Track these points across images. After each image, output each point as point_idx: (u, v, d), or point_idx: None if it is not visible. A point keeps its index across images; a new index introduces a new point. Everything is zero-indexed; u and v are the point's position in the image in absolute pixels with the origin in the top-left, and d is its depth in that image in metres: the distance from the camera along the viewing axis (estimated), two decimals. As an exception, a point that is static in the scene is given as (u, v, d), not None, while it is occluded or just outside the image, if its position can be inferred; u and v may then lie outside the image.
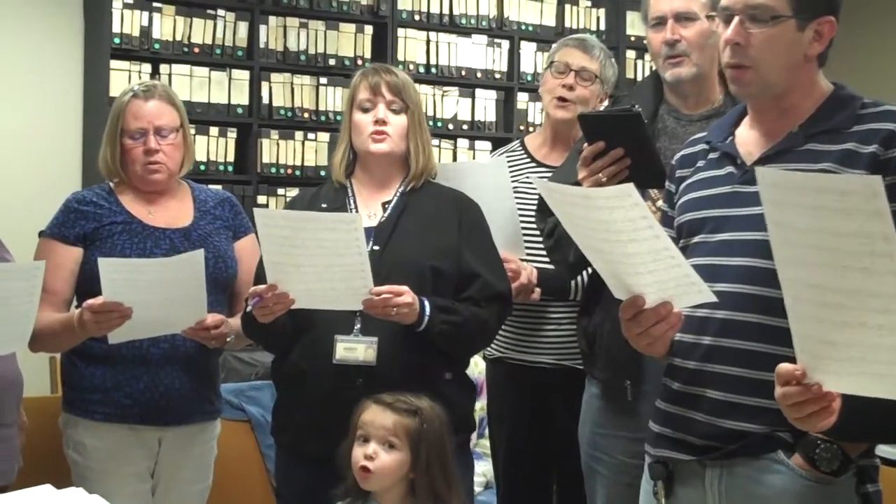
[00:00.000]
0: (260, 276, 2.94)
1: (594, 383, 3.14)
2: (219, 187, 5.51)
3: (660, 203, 2.84)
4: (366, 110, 3.11)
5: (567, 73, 3.65)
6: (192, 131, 5.51)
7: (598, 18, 6.90)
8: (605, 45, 6.60)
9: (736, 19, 2.26)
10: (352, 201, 3.14)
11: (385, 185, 3.15)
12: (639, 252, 2.00)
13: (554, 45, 3.86)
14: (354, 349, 2.94)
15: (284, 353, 3.10)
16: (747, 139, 2.36)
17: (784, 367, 1.74)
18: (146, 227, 3.26)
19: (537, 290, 3.47)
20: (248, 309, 2.91)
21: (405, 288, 2.87)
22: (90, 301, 2.97)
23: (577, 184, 2.65)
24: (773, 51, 2.24)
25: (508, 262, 3.34)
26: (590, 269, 3.09)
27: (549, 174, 3.38)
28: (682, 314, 2.18)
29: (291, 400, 3.11)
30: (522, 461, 3.67)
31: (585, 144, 2.75)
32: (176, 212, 3.34)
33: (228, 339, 3.19)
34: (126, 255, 3.17)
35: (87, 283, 3.13)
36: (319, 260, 2.79)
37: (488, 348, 3.81)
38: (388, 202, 3.12)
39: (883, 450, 2.35)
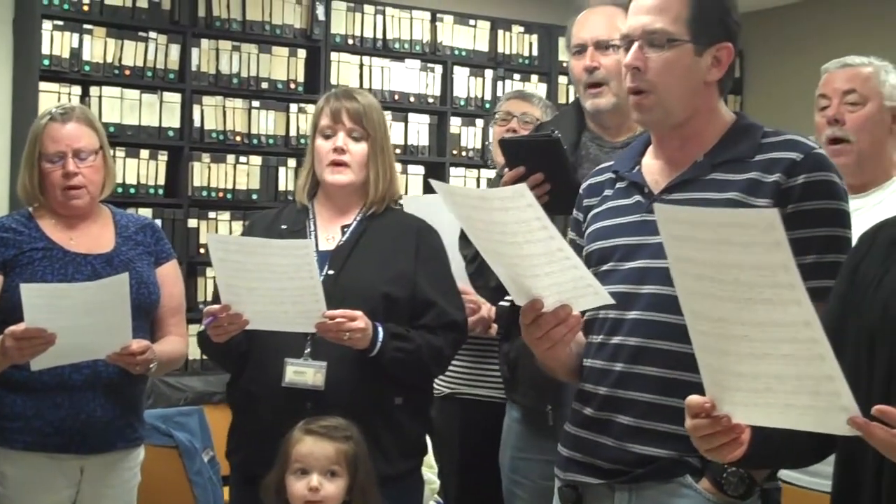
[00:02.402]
0: (217, 296, 2.94)
1: (515, 408, 3.16)
2: (149, 211, 5.51)
3: None
4: (327, 137, 3.10)
5: (510, 120, 3.90)
6: (122, 154, 5.56)
7: (530, 44, 6.96)
8: (538, 70, 6.76)
9: (636, 45, 2.30)
10: (312, 224, 3.13)
11: (345, 210, 3.14)
12: (534, 253, 2.01)
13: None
14: (304, 373, 2.94)
15: (237, 375, 3.10)
16: (653, 168, 2.39)
17: (693, 399, 1.76)
18: (67, 254, 3.22)
19: (494, 325, 3.50)
20: (202, 328, 2.91)
21: (359, 313, 2.87)
22: (12, 328, 2.92)
23: None
24: (671, 75, 2.28)
25: (469, 295, 3.37)
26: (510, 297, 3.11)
27: None
28: (580, 317, 2.20)
29: (243, 422, 3.10)
30: (474, 498, 3.70)
31: (506, 169, 2.77)
32: (97, 237, 3.31)
33: (152, 366, 3.16)
34: (46, 282, 3.13)
35: (9, 312, 3.05)
36: (272, 284, 2.80)
37: (437, 386, 3.84)
38: (348, 226, 3.11)
39: (785, 473, 2.39)
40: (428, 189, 6.59)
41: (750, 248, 1.56)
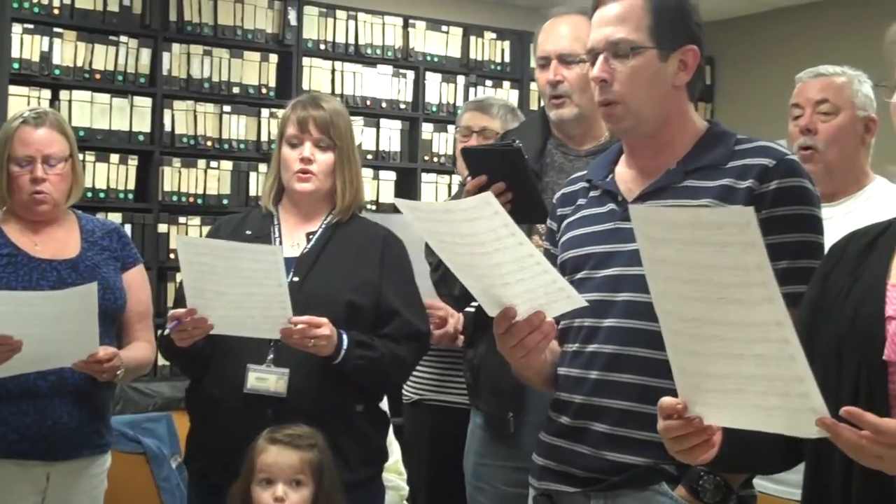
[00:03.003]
0: (179, 300, 2.93)
1: (478, 414, 3.17)
2: (118, 216, 5.47)
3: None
4: (293, 146, 3.09)
5: (470, 136, 3.91)
6: (92, 158, 5.53)
7: (502, 51, 6.97)
8: (510, 76, 6.77)
9: (601, 57, 2.31)
10: (277, 230, 3.13)
11: (311, 216, 3.14)
12: (505, 261, 2.00)
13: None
14: (266, 379, 2.93)
15: (198, 381, 3.09)
16: (626, 176, 2.39)
17: (666, 400, 1.76)
18: (32, 260, 3.20)
19: (461, 336, 3.50)
20: (167, 332, 2.89)
21: (324, 320, 2.86)
22: (-23, 335, 2.90)
23: None
24: (638, 82, 2.28)
25: (437, 308, 3.37)
26: (475, 303, 3.12)
27: None
28: (554, 323, 2.19)
29: (203, 428, 3.09)
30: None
31: (469, 178, 2.78)
32: (62, 242, 3.29)
33: (119, 373, 3.15)
34: (12, 289, 3.10)
35: None
36: (239, 288, 2.79)
37: (406, 392, 3.85)
38: (313, 233, 3.11)
39: (757, 483, 2.40)
40: (399, 195, 6.60)
41: (725, 248, 1.56)
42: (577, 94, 2.94)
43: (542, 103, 3.09)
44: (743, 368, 1.60)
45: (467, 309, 3.21)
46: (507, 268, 2.01)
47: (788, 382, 1.56)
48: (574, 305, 2.11)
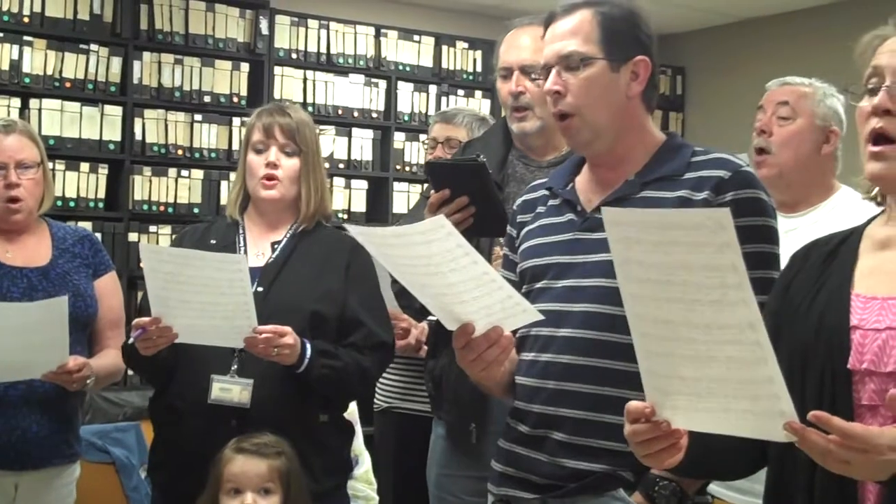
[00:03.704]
0: (144, 309, 2.92)
1: (440, 424, 3.17)
2: (89, 224, 5.45)
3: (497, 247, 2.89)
4: (259, 152, 3.10)
5: (436, 147, 3.94)
6: (62, 167, 5.51)
7: (474, 60, 6.99)
8: (482, 86, 6.79)
9: (553, 70, 2.34)
10: (241, 239, 3.12)
11: (276, 225, 3.13)
12: (461, 280, 2.01)
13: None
14: (230, 390, 2.91)
15: (161, 390, 3.08)
16: (586, 186, 2.41)
17: (633, 404, 1.76)
18: (2, 267, 3.19)
19: (424, 346, 3.51)
20: (131, 340, 2.88)
21: (288, 329, 2.85)
22: (-54, 344, 2.89)
23: None
24: (591, 94, 2.31)
25: (401, 319, 3.37)
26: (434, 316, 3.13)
27: None
28: (512, 337, 2.21)
29: (166, 438, 3.07)
30: None
31: (433, 192, 2.78)
32: (34, 250, 3.28)
33: (89, 382, 3.13)
34: (-18, 297, 3.10)
35: None
36: (204, 297, 2.79)
37: (376, 400, 3.85)
38: (278, 243, 3.11)
39: (714, 489, 2.42)
40: (371, 204, 6.60)
41: (699, 249, 1.56)
42: (539, 105, 2.94)
43: (504, 114, 3.10)
44: (714, 371, 1.60)
45: (430, 318, 3.22)
46: (463, 286, 2.03)
47: (759, 385, 1.56)
48: (530, 319, 2.13)
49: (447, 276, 2.00)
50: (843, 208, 3.06)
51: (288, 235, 3.11)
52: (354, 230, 2.10)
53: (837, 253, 1.90)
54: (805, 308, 1.85)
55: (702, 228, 1.56)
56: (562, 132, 2.39)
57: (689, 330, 1.61)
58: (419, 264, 2.03)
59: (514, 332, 2.25)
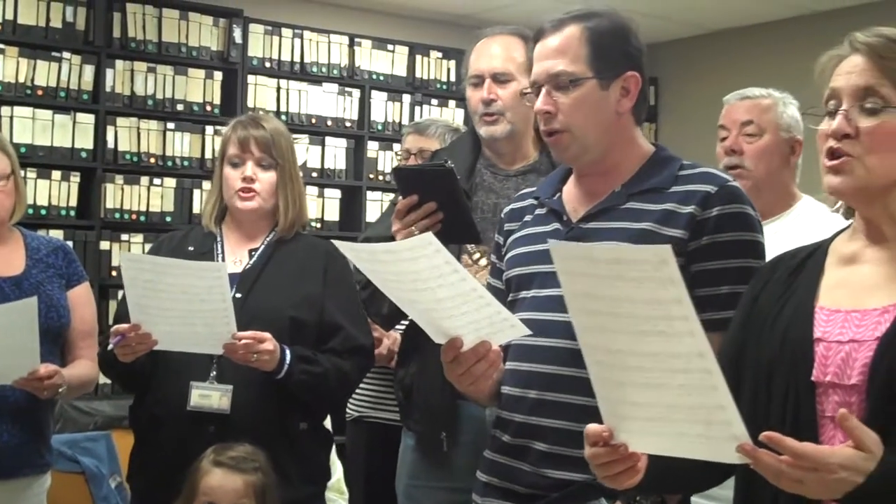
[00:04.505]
0: (121, 317, 2.93)
1: (409, 435, 3.16)
2: (60, 232, 5.42)
3: (476, 256, 2.89)
4: (235, 165, 3.10)
5: (409, 159, 3.98)
6: (34, 175, 5.48)
7: (448, 70, 7.00)
8: (455, 95, 6.81)
9: (543, 90, 2.34)
10: (219, 247, 3.13)
11: (253, 235, 3.14)
12: (449, 296, 2.03)
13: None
14: (209, 396, 2.92)
15: (141, 398, 3.08)
16: (573, 196, 2.42)
17: (592, 428, 1.79)
18: (-26, 277, 3.18)
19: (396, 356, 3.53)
20: (110, 347, 2.88)
21: (267, 335, 2.86)
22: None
23: (392, 238, 2.67)
24: (582, 113, 2.31)
25: (373, 328, 3.38)
26: (404, 324, 3.13)
27: None
28: (500, 351, 2.22)
29: (145, 445, 3.07)
30: None
31: (400, 198, 2.79)
32: (7, 260, 3.26)
33: (61, 390, 3.12)
34: (-45, 306, 3.08)
35: None
36: (183, 304, 2.80)
37: (348, 409, 3.86)
38: (255, 250, 3.11)
39: (695, 500, 2.42)
40: (344, 213, 6.60)
41: (643, 284, 1.59)
42: (510, 111, 2.97)
43: (473, 121, 3.11)
44: (666, 398, 1.64)
45: (399, 326, 3.22)
46: (451, 302, 2.05)
47: (710, 411, 1.60)
48: (518, 334, 2.14)
49: (435, 291, 2.02)
50: (804, 218, 3.12)
51: (265, 243, 3.12)
52: (342, 246, 2.11)
53: (804, 267, 1.92)
54: (771, 321, 1.88)
55: (645, 264, 1.59)
56: (550, 146, 2.40)
57: (639, 359, 1.64)
58: (407, 280, 2.05)
59: (501, 344, 2.25)
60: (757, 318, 1.91)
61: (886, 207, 1.80)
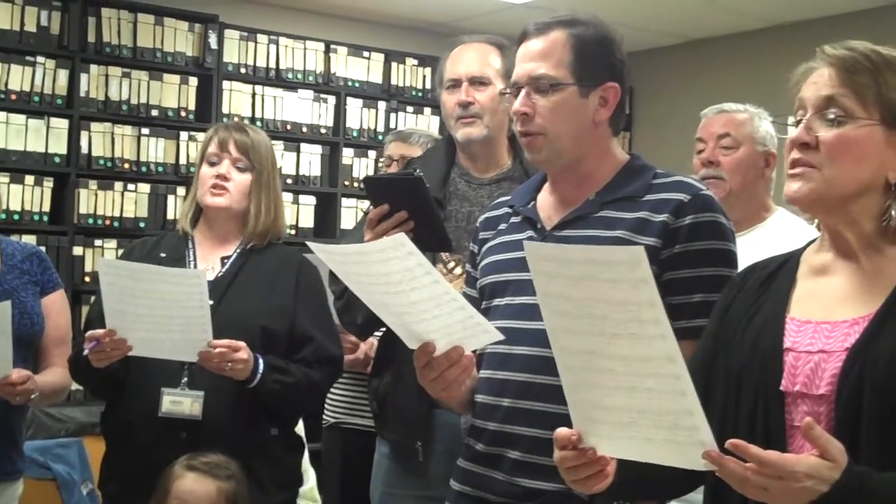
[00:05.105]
0: (92, 322, 2.93)
1: (384, 443, 3.17)
2: (33, 238, 5.39)
3: (451, 265, 2.90)
4: (212, 164, 3.12)
5: (390, 165, 4.03)
6: (7, 179, 5.45)
7: (423, 77, 7.01)
8: (431, 102, 6.82)
9: (523, 91, 2.35)
10: (191, 253, 3.13)
11: (225, 240, 3.15)
12: (422, 299, 2.03)
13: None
14: (181, 403, 2.92)
15: (112, 404, 3.08)
16: (548, 204, 2.43)
17: (561, 431, 1.80)
18: (-53, 282, 3.16)
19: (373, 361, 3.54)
20: (85, 353, 2.87)
21: (242, 344, 2.87)
22: None
23: None
24: (559, 118, 2.33)
25: (346, 337, 3.38)
26: (379, 333, 3.14)
27: None
28: (473, 357, 2.23)
29: (117, 451, 3.07)
30: None
31: (372, 207, 2.80)
32: (-20, 266, 3.24)
33: (33, 396, 3.10)
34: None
35: None
36: (160, 311, 2.80)
37: (324, 416, 3.87)
38: (228, 258, 3.12)
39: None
40: (319, 220, 6.59)
41: (616, 285, 1.60)
42: (487, 115, 2.99)
43: (449, 125, 3.11)
44: (635, 402, 1.65)
45: (376, 333, 3.23)
46: (423, 305, 2.05)
47: (678, 416, 1.61)
48: (491, 339, 2.14)
49: (408, 294, 2.02)
50: (779, 229, 3.17)
51: (238, 251, 3.12)
52: (316, 248, 2.11)
53: (775, 277, 1.94)
54: (741, 330, 1.89)
55: (619, 265, 1.60)
56: (524, 147, 2.41)
57: (610, 362, 1.65)
58: (379, 283, 2.04)
59: (475, 350, 2.26)
60: (728, 327, 1.93)
61: (846, 217, 1.82)
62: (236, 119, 6.14)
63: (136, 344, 2.85)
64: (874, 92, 1.78)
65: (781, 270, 1.94)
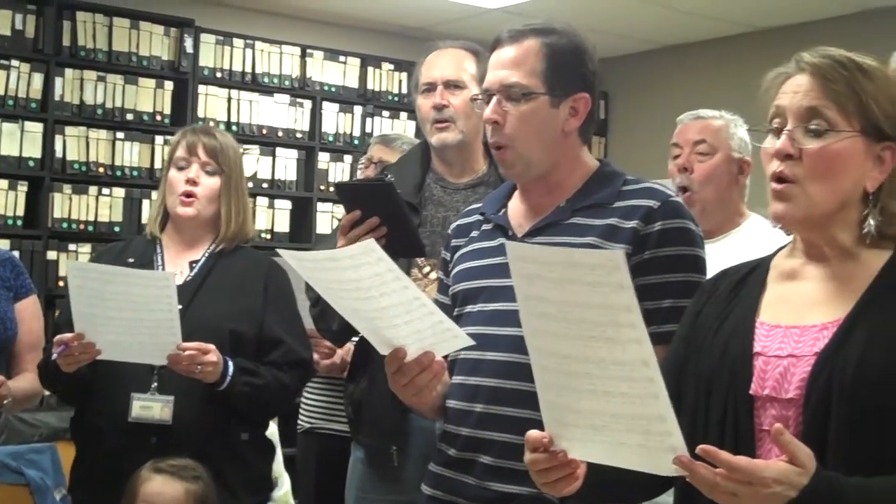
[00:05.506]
0: (61, 326, 2.92)
1: (359, 448, 3.17)
2: (7, 242, 5.37)
3: (426, 270, 2.90)
4: (181, 169, 3.11)
5: (369, 167, 4.04)
6: (-20, 184, 5.42)
7: (399, 82, 7.01)
8: (407, 107, 6.83)
9: (494, 98, 2.35)
10: (160, 258, 3.12)
11: (194, 244, 3.14)
12: (392, 304, 2.04)
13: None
14: (150, 407, 2.91)
15: (82, 409, 3.07)
16: (518, 212, 2.44)
17: (532, 434, 1.80)
18: (-80, 287, 3.14)
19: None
20: (53, 357, 2.86)
21: (212, 346, 2.86)
22: None
23: None
24: (528, 127, 2.33)
25: (321, 340, 3.38)
26: (355, 338, 3.14)
27: None
28: (444, 362, 2.23)
29: (87, 457, 3.06)
30: None
31: (344, 213, 2.80)
32: (-47, 271, 3.22)
33: (6, 402, 3.09)
34: None
35: None
36: (129, 314, 2.79)
37: (299, 420, 3.85)
38: (196, 262, 3.11)
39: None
40: (295, 224, 6.59)
41: (595, 288, 1.61)
42: (461, 119, 3.00)
43: (424, 129, 3.12)
44: (609, 406, 1.65)
45: (353, 339, 3.23)
46: (394, 311, 2.05)
47: (650, 421, 1.62)
48: (461, 345, 2.15)
49: (378, 300, 2.02)
50: (753, 235, 3.19)
51: (206, 255, 3.12)
52: (287, 255, 2.11)
53: (745, 282, 1.95)
54: (711, 335, 1.90)
55: (599, 268, 1.61)
56: (497, 160, 2.42)
57: (586, 365, 1.66)
58: (349, 288, 2.05)
59: (446, 356, 2.26)
60: (699, 332, 1.93)
61: (826, 231, 1.83)
62: (212, 123, 6.13)
63: (104, 347, 2.83)
64: (855, 102, 1.78)
65: (752, 276, 1.95)
